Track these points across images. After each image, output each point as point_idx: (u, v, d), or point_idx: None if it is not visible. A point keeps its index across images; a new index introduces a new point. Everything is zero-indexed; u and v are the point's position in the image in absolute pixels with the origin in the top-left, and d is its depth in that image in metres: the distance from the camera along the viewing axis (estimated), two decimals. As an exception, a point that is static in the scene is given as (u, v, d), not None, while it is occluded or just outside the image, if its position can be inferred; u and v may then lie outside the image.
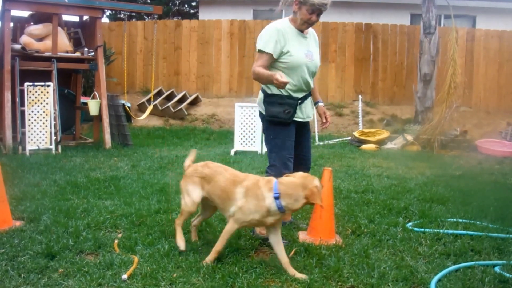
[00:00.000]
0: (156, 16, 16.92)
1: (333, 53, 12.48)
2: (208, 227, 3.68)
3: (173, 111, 11.56)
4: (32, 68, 7.78)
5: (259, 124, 7.52)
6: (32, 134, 7.25)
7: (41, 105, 7.34)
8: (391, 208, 4.31)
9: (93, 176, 5.51)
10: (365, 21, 12.71)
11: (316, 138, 9.56)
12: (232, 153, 7.71)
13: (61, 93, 8.39)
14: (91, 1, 8.09)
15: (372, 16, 13.56)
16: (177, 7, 22.36)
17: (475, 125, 10.76)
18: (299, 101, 3.47)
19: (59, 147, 7.49)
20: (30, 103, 7.27)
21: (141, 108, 11.41)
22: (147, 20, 17.55)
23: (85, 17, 8.98)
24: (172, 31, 12.74)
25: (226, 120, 11.52)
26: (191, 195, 3.17)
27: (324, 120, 3.72)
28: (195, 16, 20.21)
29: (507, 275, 2.80)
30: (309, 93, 3.59)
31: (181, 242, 3.14)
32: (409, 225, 3.83)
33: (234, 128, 8.06)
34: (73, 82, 9.28)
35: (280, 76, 3.13)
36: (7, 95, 7.40)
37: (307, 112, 3.59)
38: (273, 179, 2.90)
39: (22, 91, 7.28)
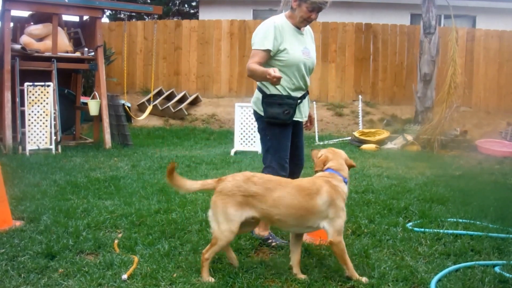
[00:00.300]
0: (156, 16, 16.90)
1: (333, 53, 12.43)
2: (208, 227, 3.67)
3: (173, 111, 11.56)
4: (32, 68, 7.78)
5: (259, 124, 7.51)
6: (32, 134, 7.25)
7: (41, 105, 7.34)
8: (391, 208, 4.31)
9: (93, 176, 5.52)
10: (365, 21, 12.70)
11: (316, 138, 9.56)
12: (232, 153, 7.71)
13: (61, 93, 8.40)
14: (91, 1, 8.10)
15: (372, 16, 13.54)
16: (177, 7, 22.34)
17: (475, 125, 10.75)
18: (298, 101, 3.36)
19: (59, 147, 7.50)
20: (30, 103, 7.27)
21: (141, 108, 11.41)
22: (147, 20, 17.53)
23: (85, 17, 8.98)
24: (172, 31, 12.74)
25: (226, 120, 11.51)
26: (232, 220, 2.61)
27: (309, 124, 3.66)
28: (195, 16, 20.19)
29: (507, 275, 2.80)
30: (307, 92, 3.50)
31: (208, 279, 2.65)
32: (409, 225, 3.83)
33: (234, 128, 8.07)
34: (73, 82, 9.28)
35: (274, 71, 3.01)
36: (7, 95, 7.41)
37: (304, 111, 3.51)
38: (332, 173, 2.87)
39: (22, 91, 7.28)
